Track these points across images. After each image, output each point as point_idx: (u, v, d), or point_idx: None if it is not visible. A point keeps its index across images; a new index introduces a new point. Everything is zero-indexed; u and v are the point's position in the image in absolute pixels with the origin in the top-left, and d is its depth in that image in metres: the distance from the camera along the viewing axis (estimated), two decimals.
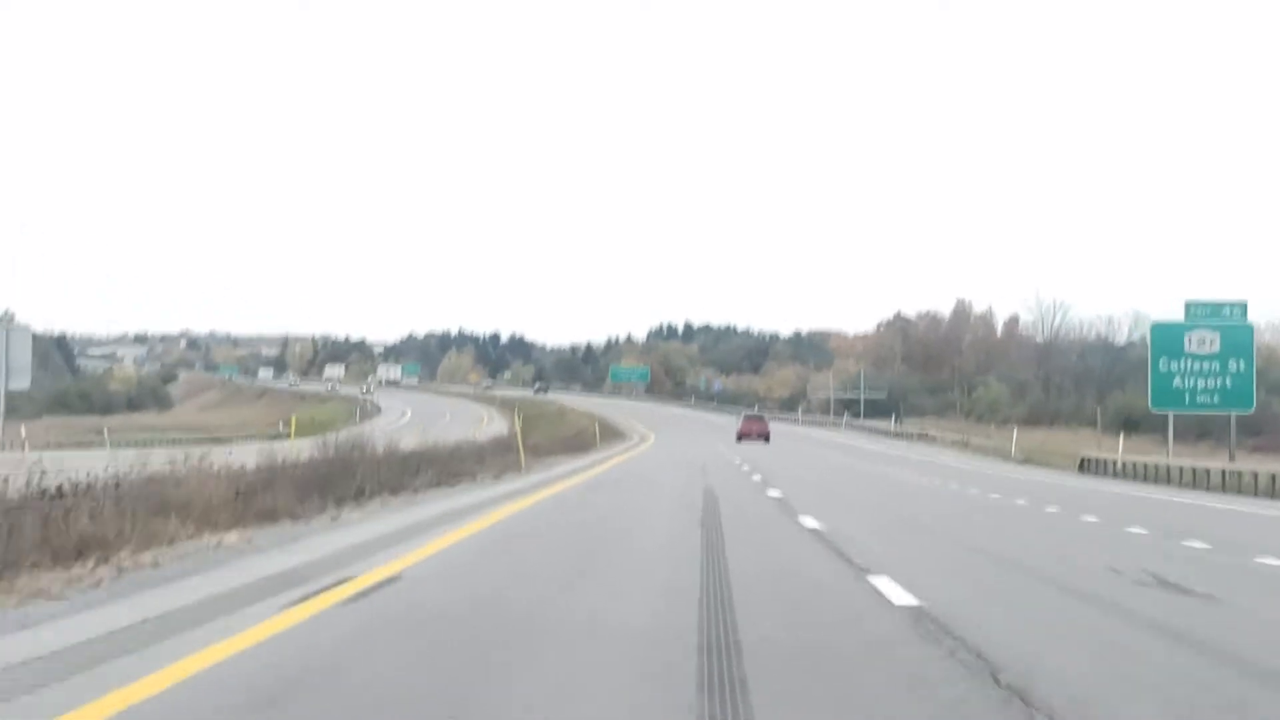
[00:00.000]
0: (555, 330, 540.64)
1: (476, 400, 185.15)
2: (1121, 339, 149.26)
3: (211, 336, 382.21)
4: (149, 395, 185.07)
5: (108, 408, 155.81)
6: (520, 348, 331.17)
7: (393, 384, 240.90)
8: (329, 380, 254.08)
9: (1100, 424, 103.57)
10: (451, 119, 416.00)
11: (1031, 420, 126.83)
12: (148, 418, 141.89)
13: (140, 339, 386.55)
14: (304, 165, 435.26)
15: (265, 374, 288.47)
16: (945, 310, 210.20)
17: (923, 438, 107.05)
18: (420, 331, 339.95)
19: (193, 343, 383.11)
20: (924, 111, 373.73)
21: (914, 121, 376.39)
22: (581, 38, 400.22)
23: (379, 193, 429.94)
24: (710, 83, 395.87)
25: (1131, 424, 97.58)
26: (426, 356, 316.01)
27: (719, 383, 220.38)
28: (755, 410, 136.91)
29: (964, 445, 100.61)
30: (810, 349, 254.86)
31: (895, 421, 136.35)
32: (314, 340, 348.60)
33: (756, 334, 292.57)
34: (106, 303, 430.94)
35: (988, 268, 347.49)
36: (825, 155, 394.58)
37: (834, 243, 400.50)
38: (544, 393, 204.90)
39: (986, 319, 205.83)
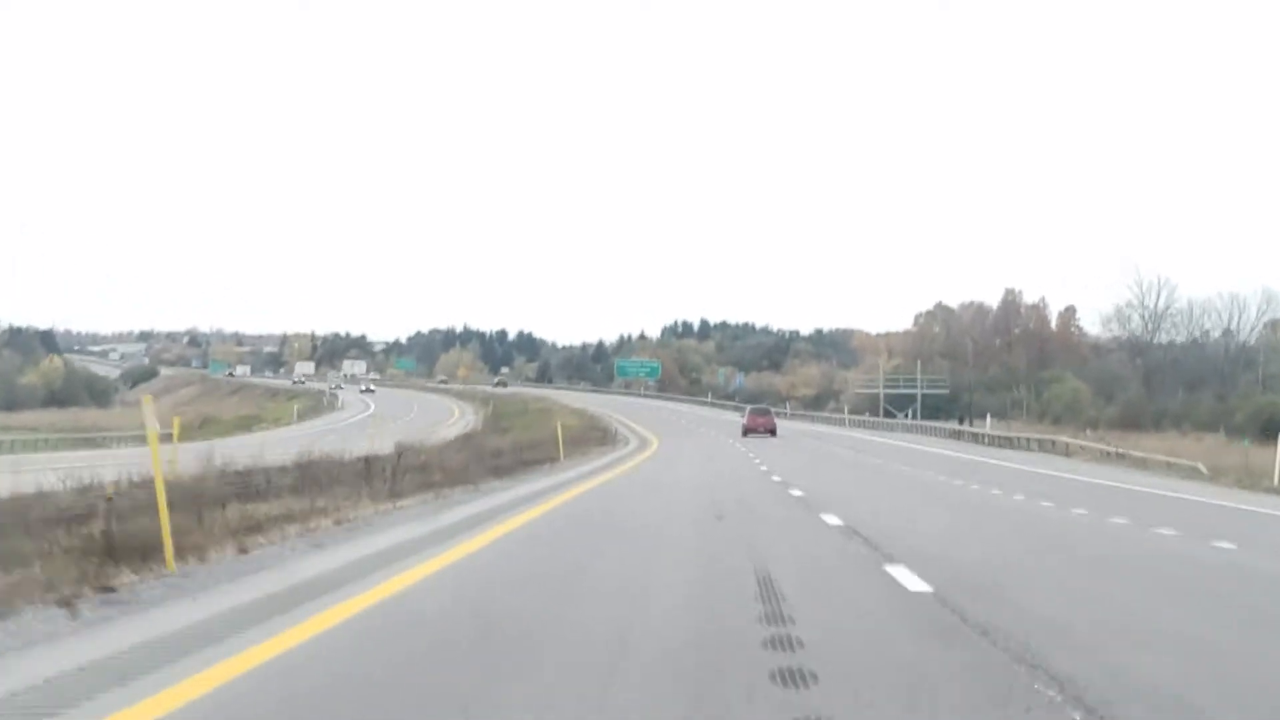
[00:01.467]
0: (566, 329, 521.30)
1: (458, 396, 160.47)
2: (1244, 323, 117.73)
3: (217, 334, 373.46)
4: (83, 390, 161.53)
5: (11, 403, 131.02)
6: (528, 345, 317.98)
7: (351, 380, 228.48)
8: (300, 377, 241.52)
9: (1229, 428, 78.09)
10: (463, 114, 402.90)
11: (1127, 423, 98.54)
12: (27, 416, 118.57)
13: (146, 336, 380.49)
14: (314, 162, 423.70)
15: (242, 370, 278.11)
16: (988, 300, 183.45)
17: (1041, 445, 75.02)
18: (428, 328, 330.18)
19: (194, 340, 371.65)
20: (937, 106, 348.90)
21: (928, 118, 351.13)
22: (597, 30, 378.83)
23: (389, 190, 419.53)
24: (725, 78, 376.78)
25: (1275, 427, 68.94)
26: (430, 353, 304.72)
27: (740, 378, 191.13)
28: (763, 405, 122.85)
29: (1142, 463, 59.07)
30: (831, 347, 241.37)
31: (977, 423, 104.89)
32: (312, 337, 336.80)
33: (776, 331, 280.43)
34: (108, 301, 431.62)
35: (1021, 261, 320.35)
36: (842, 150, 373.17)
37: (855, 239, 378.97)
38: (504, 386, 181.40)
39: (1039, 310, 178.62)
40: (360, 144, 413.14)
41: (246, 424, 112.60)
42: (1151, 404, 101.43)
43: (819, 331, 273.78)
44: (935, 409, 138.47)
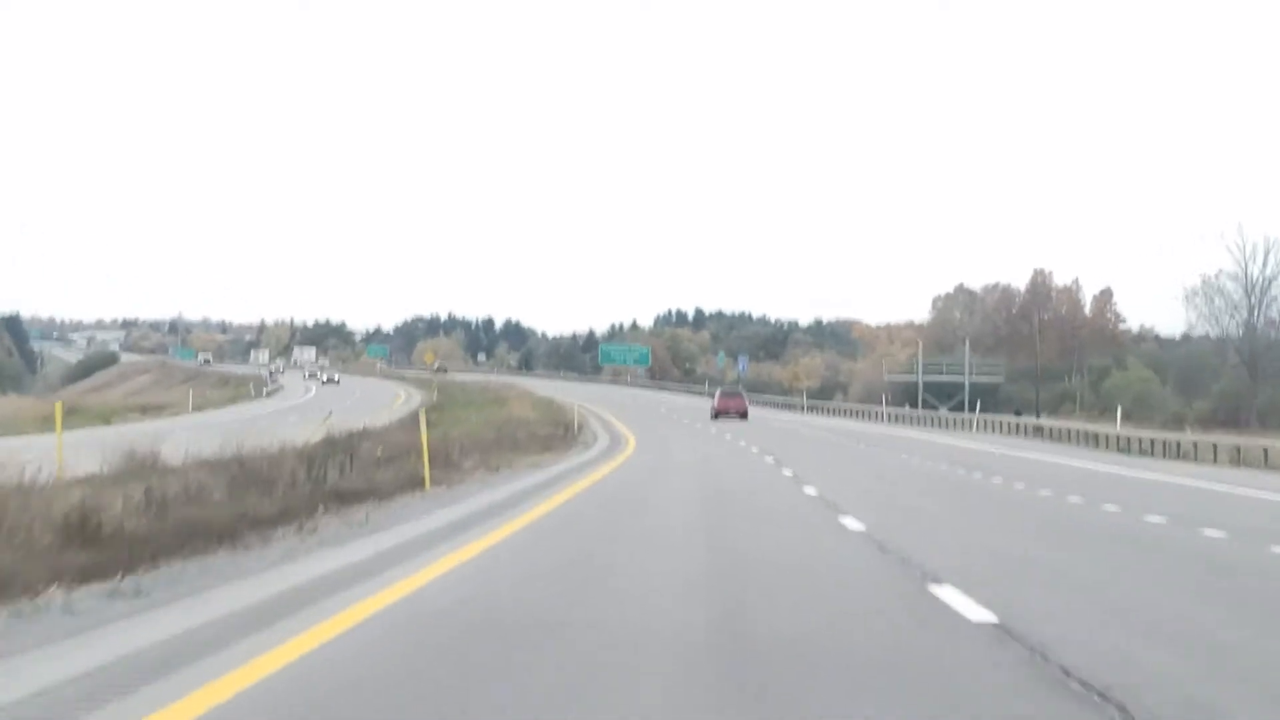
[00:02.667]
0: (556, 318, 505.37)
1: (418, 385, 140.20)
2: None
3: (201, 323, 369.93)
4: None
5: None
6: (515, 334, 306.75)
7: (295, 366, 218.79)
8: (254, 365, 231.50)
9: None
10: (453, 102, 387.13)
11: (1224, 420, 76.80)
12: None
13: (130, 324, 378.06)
14: (299, 152, 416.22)
15: (201, 357, 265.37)
16: (1013, 283, 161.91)
17: (1164, 448, 51.98)
18: (413, 316, 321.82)
19: (173, 327, 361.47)
20: (939, 77, 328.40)
21: (924, 104, 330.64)
22: (590, 16, 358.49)
23: (378, 179, 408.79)
24: (716, 63, 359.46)
25: None
26: (411, 341, 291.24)
27: (744, 362, 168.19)
28: (736, 387, 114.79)
29: None
30: (832, 338, 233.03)
31: (1038, 416, 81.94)
32: (291, 324, 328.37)
33: (774, 321, 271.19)
34: (92, 289, 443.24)
35: (1050, 241, 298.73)
36: (840, 135, 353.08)
37: (856, 226, 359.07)
38: (443, 372, 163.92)
39: (1071, 293, 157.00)
40: (349, 135, 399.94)
41: (140, 410, 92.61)
42: (1256, 395, 79.24)
43: (819, 322, 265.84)
44: (971, 401, 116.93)
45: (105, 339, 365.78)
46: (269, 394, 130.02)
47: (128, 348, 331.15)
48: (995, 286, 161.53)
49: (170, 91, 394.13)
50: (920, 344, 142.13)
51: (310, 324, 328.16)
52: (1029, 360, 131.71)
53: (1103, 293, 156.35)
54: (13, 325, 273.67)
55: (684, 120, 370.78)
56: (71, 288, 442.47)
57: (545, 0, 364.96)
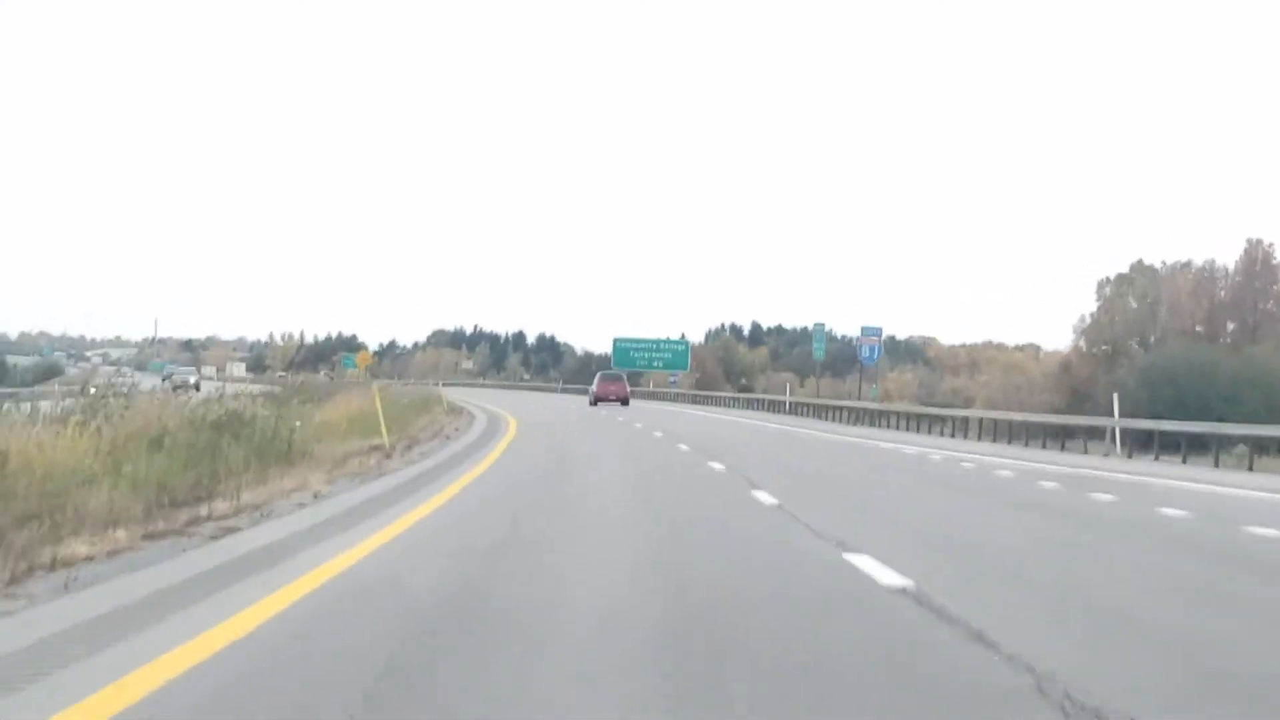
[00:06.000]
0: (596, 334, 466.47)
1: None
2: None
3: (212, 339, 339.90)
4: None
5: None
6: (548, 347, 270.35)
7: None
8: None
9: None
10: (484, 110, 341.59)
11: None
12: None
13: (157, 341, 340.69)
14: (321, 166, 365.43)
15: (167, 371, 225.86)
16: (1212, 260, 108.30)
17: None
18: (437, 328, 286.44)
19: (186, 344, 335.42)
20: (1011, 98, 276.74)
21: (1004, 108, 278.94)
22: (638, 29, 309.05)
23: (401, 187, 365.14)
24: (766, 68, 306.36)
25: None
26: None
27: (875, 348, 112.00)
28: (615, 371, 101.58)
29: None
30: (906, 355, 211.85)
31: None
32: (300, 338, 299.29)
33: (840, 338, 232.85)
34: (106, 306, 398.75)
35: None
36: (897, 150, 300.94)
37: (927, 241, 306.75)
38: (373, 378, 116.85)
39: None
40: (379, 150, 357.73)
41: None
42: None
43: (893, 339, 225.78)
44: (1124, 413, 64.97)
45: (119, 355, 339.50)
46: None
47: (113, 362, 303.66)
48: (1187, 265, 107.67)
49: (186, 102, 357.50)
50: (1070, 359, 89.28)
51: (321, 338, 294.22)
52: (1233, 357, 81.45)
53: None
54: None
55: (734, 128, 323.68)
56: (107, 307, 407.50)
57: (585, 11, 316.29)
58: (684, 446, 32.99)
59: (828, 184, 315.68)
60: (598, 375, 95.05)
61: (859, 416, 70.48)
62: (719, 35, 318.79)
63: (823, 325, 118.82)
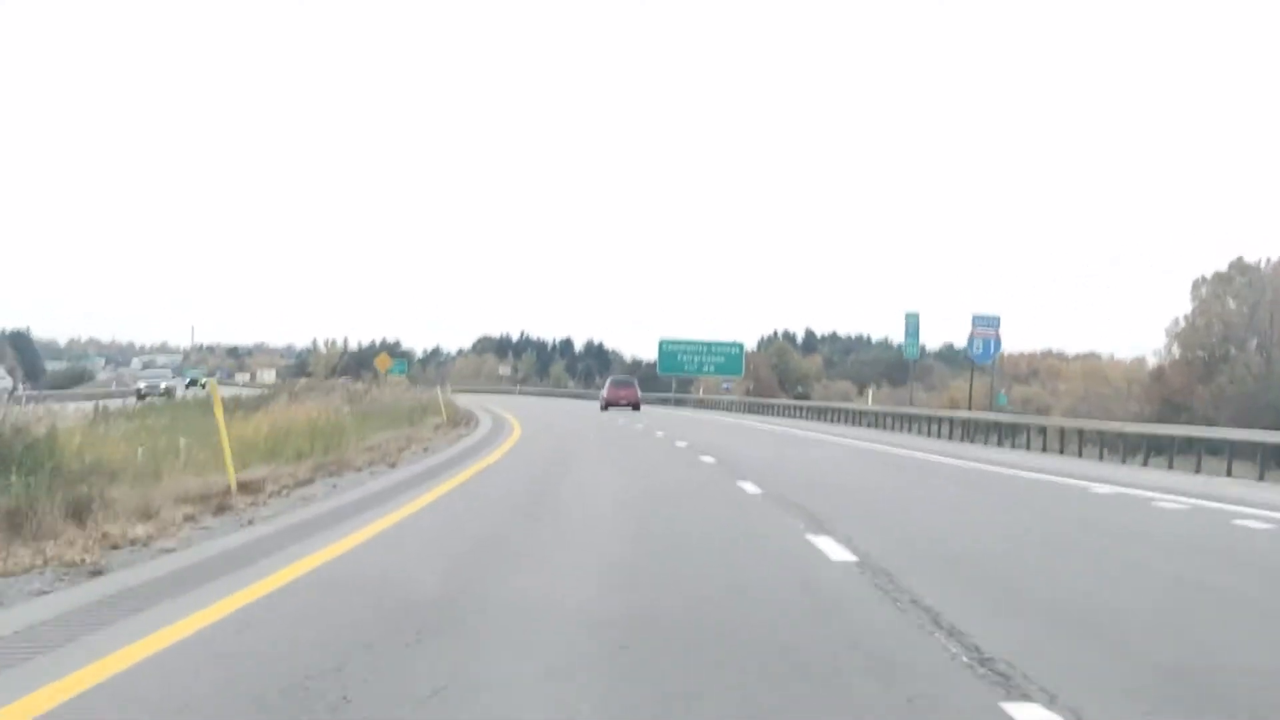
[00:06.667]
0: (647, 341, 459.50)
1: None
2: None
3: (259, 347, 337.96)
4: None
5: None
6: (597, 355, 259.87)
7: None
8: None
9: None
10: (540, 120, 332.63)
11: None
12: None
13: (204, 349, 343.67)
14: (378, 175, 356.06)
15: (189, 376, 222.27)
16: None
17: None
18: (483, 335, 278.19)
19: (232, 350, 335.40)
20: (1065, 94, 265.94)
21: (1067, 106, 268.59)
22: (688, 38, 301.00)
23: (450, 193, 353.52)
24: (819, 72, 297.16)
25: None
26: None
27: (992, 343, 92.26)
28: (625, 377, 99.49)
29: None
30: (967, 364, 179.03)
31: None
32: (344, 345, 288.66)
33: (897, 345, 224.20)
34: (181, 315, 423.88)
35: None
36: (945, 154, 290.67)
37: (1002, 246, 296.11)
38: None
39: None
40: (424, 152, 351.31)
41: None
42: None
43: (949, 346, 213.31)
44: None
45: (164, 362, 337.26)
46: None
47: (148, 368, 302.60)
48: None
49: (243, 115, 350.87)
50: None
51: (365, 344, 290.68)
52: None
53: None
54: (18, 340, 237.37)
55: (776, 137, 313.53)
56: (156, 315, 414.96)
57: (639, 17, 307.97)
58: (750, 488, 21.37)
59: (879, 189, 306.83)
60: (608, 380, 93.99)
61: (964, 430, 57.02)
62: (767, 39, 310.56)
63: (916, 316, 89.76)
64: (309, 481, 16.68)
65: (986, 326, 74.71)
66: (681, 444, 34.62)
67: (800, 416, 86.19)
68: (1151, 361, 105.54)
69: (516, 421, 48.42)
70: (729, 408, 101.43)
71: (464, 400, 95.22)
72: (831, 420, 78.89)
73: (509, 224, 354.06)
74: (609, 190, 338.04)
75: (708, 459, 27.16)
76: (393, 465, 20.77)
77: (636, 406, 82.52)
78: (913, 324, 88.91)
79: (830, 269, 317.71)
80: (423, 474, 19.60)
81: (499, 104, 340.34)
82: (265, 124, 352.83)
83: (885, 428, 65.75)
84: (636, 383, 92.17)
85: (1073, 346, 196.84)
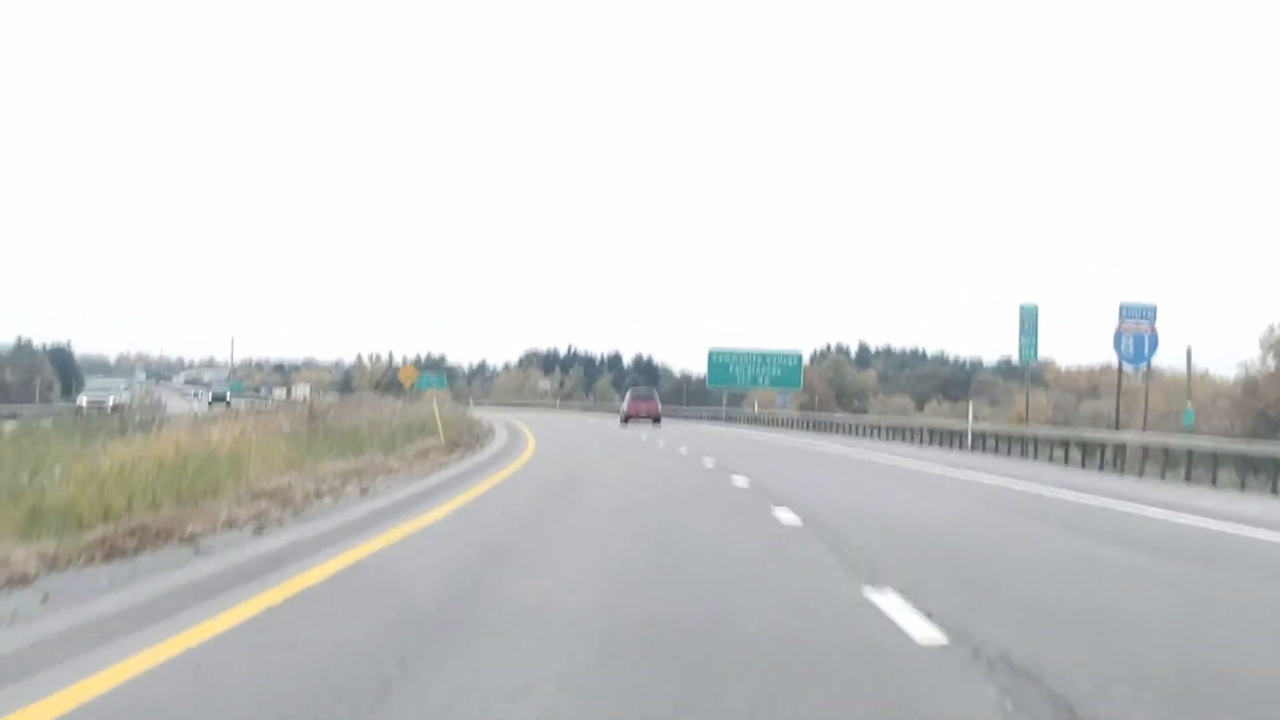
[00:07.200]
0: (698, 356, 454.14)
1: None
2: None
3: (308, 362, 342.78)
4: None
5: None
6: (646, 370, 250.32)
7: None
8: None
9: None
10: (583, 132, 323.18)
11: None
12: None
13: (254, 365, 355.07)
14: (424, 189, 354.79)
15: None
16: None
17: None
18: (530, 349, 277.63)
19: (278, 366, 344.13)
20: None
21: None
22: (737, 48, 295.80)
23: (508, 213, 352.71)
24: (875, 88, 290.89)
25: None
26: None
27: (1148, 340, 70.47)
28: (644, 388, 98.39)
29: None
30: (1023, 378, 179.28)
31: None
32: (389, 359, 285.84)
33: (953, 359, 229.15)
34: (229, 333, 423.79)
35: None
36: (997, 172, 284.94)
37: (1048, 256, 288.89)
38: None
39: None
40: (471, 167, 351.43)
41: None
42: None
43: (1007, 361, 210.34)
44: None
45: (210, 377, 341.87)
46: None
47: (191, 383, 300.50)
48: None
49: (289, 133, 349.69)
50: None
51: (409, 358, 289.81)
52: None
53: None
54: (58, 355, 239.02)
55: (835, 150, 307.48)
56: (206, 331, 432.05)
57: (669, 29, 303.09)
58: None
59: (927, 199, 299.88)
60: (628, 393, 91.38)
61: (1114, 458, 43.04)
62: (820, 51, 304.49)
63: (1034, 309, 67.63)
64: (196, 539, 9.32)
65: (1140, 318, 57.72)
66: (740, 481, 26.19)
67: (865, 435, 74.38)
68: (1234, 374, 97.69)
69: (533, 441, 40.67)
70: (788, 424, 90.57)
71: (495, 416, 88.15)
72: (912, 440, 65.53)
73: (559, 238, 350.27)
74: (661, 205, 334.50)
75: (786, 516, 18.41)
76: (260, 530, 12.80)
77: (657, 420, 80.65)
78: (1029, 319, 66.87)
79: (881, 281, 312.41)
80: (283, 555, 11.52)
81: (548, 120, 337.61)
82: (321, 145, 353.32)
83: (986, 450, 53.61)
84: (657, 395, 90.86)
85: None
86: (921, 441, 63.48)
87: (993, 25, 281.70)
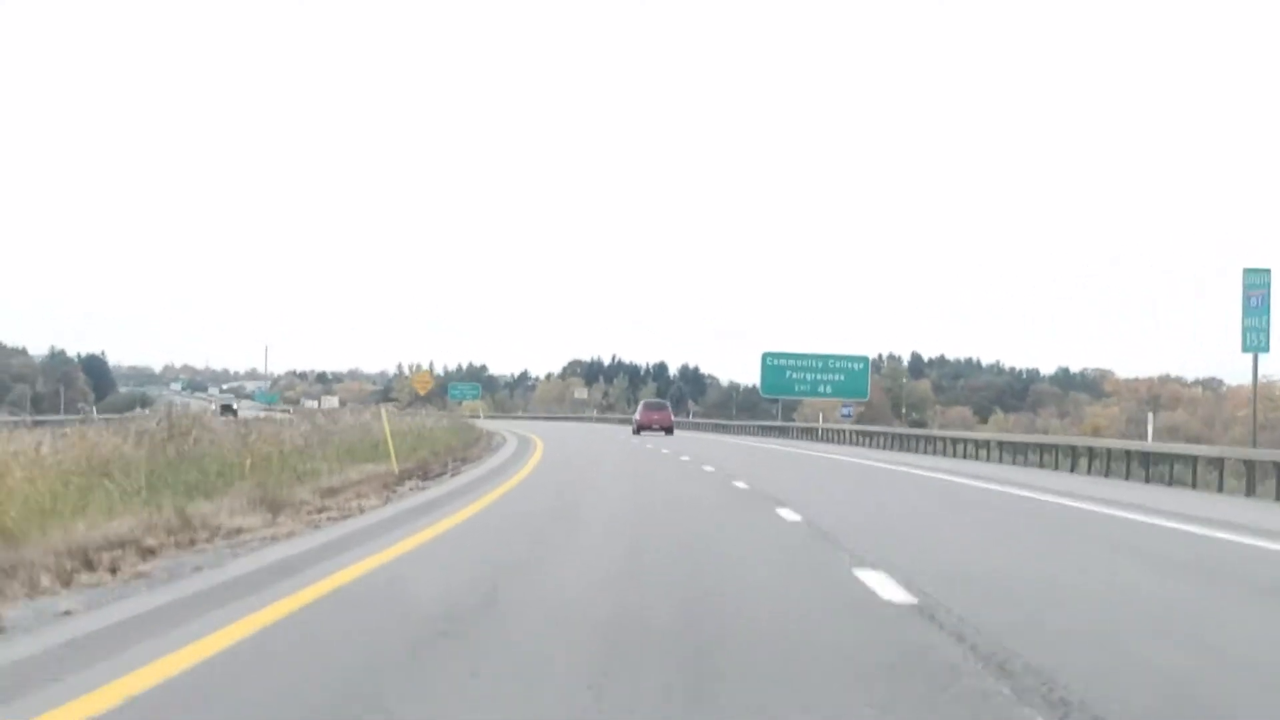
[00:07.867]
0: (746, 367, 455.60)
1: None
2: None
3: (352, 373, 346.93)
4: None
5: None
6: (693, 380, 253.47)
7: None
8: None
9: None
10: (628, 140, 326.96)
11: None
12: None
13: (298, 375, 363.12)
14: (468, 199, 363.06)
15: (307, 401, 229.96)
16: None
17: None
18: (572, 359, 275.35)
19: (320, 376, 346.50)
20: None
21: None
22: (777, 50, 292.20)
23: (552, 222, 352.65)
24: (936, 96, 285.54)
25: None
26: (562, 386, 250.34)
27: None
28: (657, 399, 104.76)
29: None
30: (1084, 389, 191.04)
31: None
32: (430, 370, 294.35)
33: (1009, 369, 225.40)
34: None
35: None
36: (1052, 180, 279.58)
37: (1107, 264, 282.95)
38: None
39: None
40: (514, 177, 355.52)
41: None
42: None
43: (1065, 371, 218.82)
44: None
45: (253, 388, 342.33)
46: None
47: (229, 393, 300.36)
48: None
49: (333, 149, 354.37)
50: None
51: (451, 368, 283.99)
52: None
53: None
54: (92, 364, 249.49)
55: (880, 161, 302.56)
56: (250, 343, 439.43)
57: (736, 37, 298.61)
58: None
59: (988, 213, 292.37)
60: (641, 403, 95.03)
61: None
62: (864, 59, 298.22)
63: (1267, 272, 44.85)
64: None
65: (1259, 284, 43.56)
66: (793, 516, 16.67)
67: (950, 454, 58.33)
68: None
69: (532, 463, 31.63)
70: (851, 439, 76.14)
71: (517, 428, 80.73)
72: (1066, 467, 45.57)
73: (606, 248, 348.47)
74: (710, 216, 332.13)
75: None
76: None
77: (670, 430, 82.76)
78: (1258, 287, 44.57)
79: (936, 293, 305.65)
80: None
81: (598, 131, 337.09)
82: (371, 157, 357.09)
83: (1175, 481, 37.57)
84: (669, 406, 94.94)
85: (1190, 371, 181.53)
86: (1074, 468, 44.69)
87: (1051, 42, 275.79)
